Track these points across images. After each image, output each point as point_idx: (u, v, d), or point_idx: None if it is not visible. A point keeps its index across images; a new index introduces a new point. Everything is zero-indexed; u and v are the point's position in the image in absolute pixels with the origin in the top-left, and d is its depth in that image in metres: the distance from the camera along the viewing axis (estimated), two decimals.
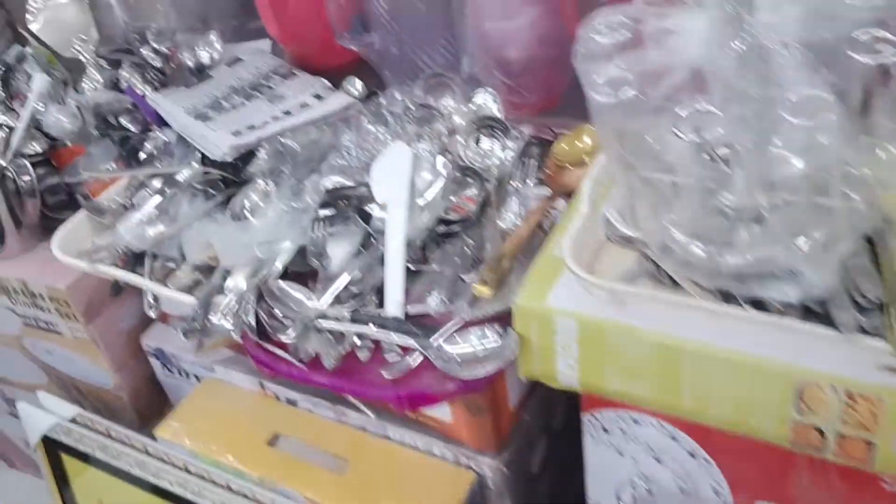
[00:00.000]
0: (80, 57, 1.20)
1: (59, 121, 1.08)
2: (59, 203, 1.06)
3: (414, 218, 0.83)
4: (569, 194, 0.87)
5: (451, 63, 1.08)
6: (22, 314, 1.11)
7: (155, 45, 1.18)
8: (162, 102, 1.07)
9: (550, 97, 1.03)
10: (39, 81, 1.06)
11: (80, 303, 1.03)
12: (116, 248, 0.92)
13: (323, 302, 0.80)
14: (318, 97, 1.01)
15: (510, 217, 0.85)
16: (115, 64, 1.18)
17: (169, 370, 1.09)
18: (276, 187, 0.93)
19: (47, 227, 1.10)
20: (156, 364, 1.10)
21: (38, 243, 1.10)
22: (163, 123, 1.07)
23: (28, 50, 1.16)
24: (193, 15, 1.21)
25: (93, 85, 1.16)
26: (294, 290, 0.81)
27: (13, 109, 1.12)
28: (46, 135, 1.08)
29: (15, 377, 1.26)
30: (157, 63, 1.17)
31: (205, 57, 1.17)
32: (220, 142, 0.94)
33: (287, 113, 0.99)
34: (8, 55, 1.14)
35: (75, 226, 0.98)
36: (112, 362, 1.09)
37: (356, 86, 1.08)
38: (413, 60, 1.09)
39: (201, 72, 1.16)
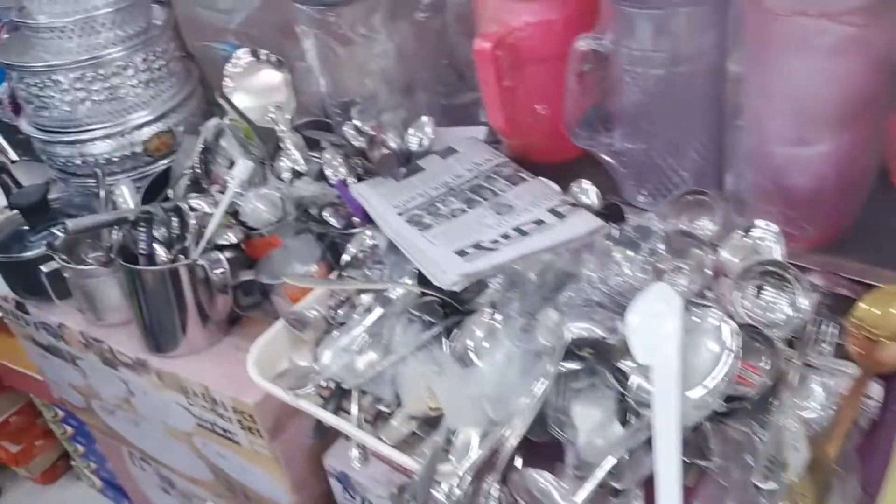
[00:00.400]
0: (276, 128, 1.10)
1: (258, 209, 0.98)
2: (252, 303, 0.96)
3: (686, 393, 0.67)
4: (884, 376, 0.69)
5: (703, 174, 0.92)
6: (198, 415, 1.02)
7: (358, 124, 1.07)
8: (370, 197, 0.96)
9: (832, 232, 0.85)
10: (242, 168, 0.96)
11: (266, 420, 0.93)
12: (321, 379, 0.80)
13: (578, 498, 0.65)
14: (556, 213, 0.87)
15: (812, 404, 0.68)
16: (313, 143, 1.08)
17: (351, 496, 0.97)
18: (503, 320, 0.79)
19: (233, 318, 1.01)
20: (336, 487, 0.98)
21: (223, 337, 1.00)
22: (368, 219, 0.96)
23: (225, 122, 1.07)
24: (398, 87, 1.10)
25: (289, 164, 1.05)
26: (540, 479, 0.67)
27: (206, 190, 1.03)
28: (242, 223, 0.99)
29: (178, 467, 1.18)
30: (360, 143, 1.06)
31: (413, 142, 1.04)
32: (447, 265, 0.81)
33: (520, 231, 0.85)
34: (206, 129, 1.06)
35: (272, 338, 0.87)
36: (292, 481, 0.98)
37: (589, 193, 0.93)
38: (658, 166, 0.93)
39: (409, 160, 1.04)
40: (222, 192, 0.99)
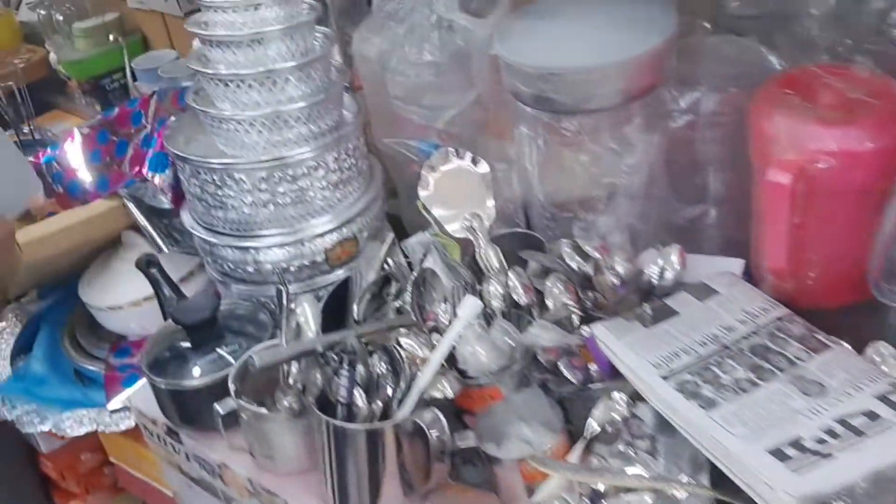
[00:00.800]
0: (475, 240, 0.94)
1: (477, 354, 0.81)
2: (474, 476, 0.79)
3: None
4: None
5: None
6: None
7: (580, 243, 0.90)
8: (616, 347, 0.78)
9: None
10: (470, 308, 0.80)
11: None
12: None
13: None
14: (890, 403, 0.68)
15: None
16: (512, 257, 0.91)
17: None
18: None
19: None
20: None
21: None
22: (613, 372, 0.79)
23: (429, 236, 0.91)
24: (633, 202, 0.93)
25: (499, 289, 0.89)
26: None
27: (421, 329, 0.86)
28: (457, 369, 0.82)
29: None
30: (586, 268, 0.89)
31: (653, 272, 0.87)
32: (769, 475, 0.62)
33: (849, 427, 0.66)
34: (413, 249, 0.90)
35: None
36: None
37: (887, 358, 0.75)
38: None
39: (648, 294, 0.87)
40: (437, 330, 0.83)
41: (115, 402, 1.20)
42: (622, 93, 0.81)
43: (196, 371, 0.93)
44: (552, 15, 0.90)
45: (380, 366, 0.81)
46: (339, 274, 1.01)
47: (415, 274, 0.88)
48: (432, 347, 0.81)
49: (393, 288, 0.97)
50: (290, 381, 0.85)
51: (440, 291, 0.87)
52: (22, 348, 1.34)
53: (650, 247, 0.92)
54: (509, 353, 0.81)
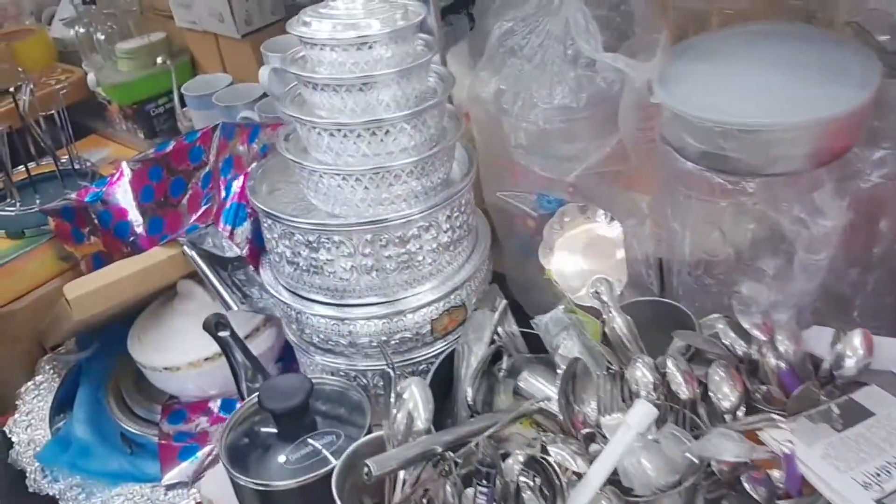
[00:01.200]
0: (601, 307, 0.82)
1: (643, 468, 0.67)
2: None
3: None
4: None
5: None
6: None
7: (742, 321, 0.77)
8: (812, 462, 0.65)
9: None
10: (642, 415, 0.66)
11: None
12: None
13: None
14: None
15: None
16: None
17: None
18: None
19: None
20: None
21: None
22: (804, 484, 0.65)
23: (563, 315, 0.78)
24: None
25: (648, 376, 0.75)
26: None
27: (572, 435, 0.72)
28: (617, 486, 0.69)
29: None
30: (748, 352, 0.76)
31: (824, 353, 0.74)
32: None
33: None
34: (546, 329, 0.77)
35: None
36: None
37: None
38: None
39: (830, 383, 0.74)
40: (592, 439, 0.69)
41: (172, 477, 1.06)
42: (815, 154, 0.68)
43: (284, 466, 0.80)
44: (717, 55, 0.77)
45: (525, 479, 0.68)
46: (442, 346, 0.88)
47: (561, 364, 0.74)
48: (586, 458, 0.68)
49: (505, 363, 0.84)
50: (408, 487, 0.71)
51: (588, 386, 0.73)
52: (61, 405, 1.21)
53: (814, 324, 0.79)
54: (682, 465, 0.68)
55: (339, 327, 0.85)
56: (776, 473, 0.69)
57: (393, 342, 0.85)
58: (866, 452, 0.66)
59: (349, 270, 0.81)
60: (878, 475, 0.64)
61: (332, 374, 0.90)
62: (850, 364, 0.74)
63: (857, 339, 0.74)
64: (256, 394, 0.83)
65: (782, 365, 0.76)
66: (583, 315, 0.79)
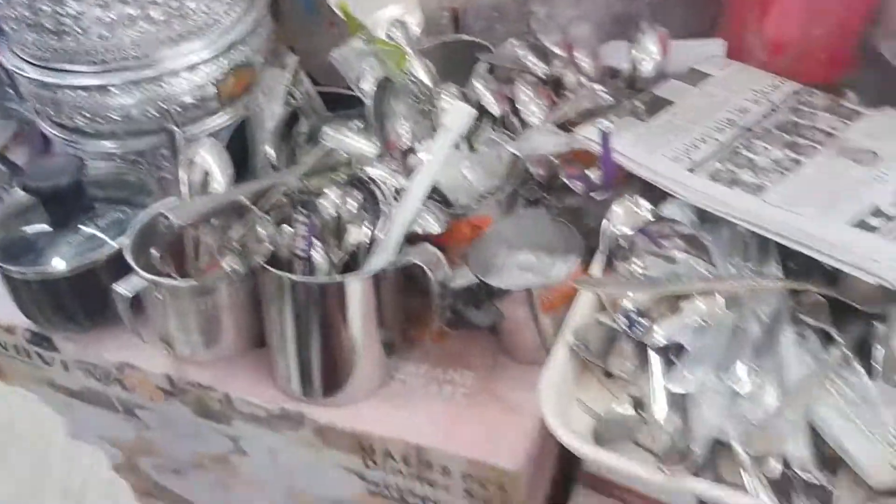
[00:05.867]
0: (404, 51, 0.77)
1: (464, 177, 0.65)
2: (479, 316, 0.64)
3: None
4: None
5: None
6: (375, 480, 0.70)
7: (543, 40, 0.76)
8: (624, 148, 0.66)
9: None
10: (458, 116, 0.61)
11: (519, 492, 0.62)
12: (663, 433, 0.52)
13: None
14: None
15: None
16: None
17: None
18: None
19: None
20: None
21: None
22: (620, 177, 0.66)
23: (364, 45, 0.71)
24: None
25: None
26: None
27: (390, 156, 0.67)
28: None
29: None
30: (540, 67, 0.75)
31: (621, 63, 0.75)
32: (866, 249, 0.53)
33: None
34: (346, 61, 0.70)
35: (560, 373, 0.57)
36: None
37: None
38: None
39: (631, 87, 0.75)
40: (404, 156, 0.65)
41: None
42: None
43: (63, 256, 0.70)
44: None
45: (347, 206, 0.63)
46: (232, 115, 0.80)
47: (365, 86, 0.69)
48: (405, 175, 0.64)
49: (304, 126, 0.78)
50: (226, 239, 0.64)
51: (398, 109, 0.69)
52: None
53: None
54: (501, 171, 0.66)
55: (107, 100, 0.73)
56: (594, 173, 0.69)
57: (173, 112, 0.75)
58: (672, 134, 0.68)
59: (108, 26, 0.70)
60: (687, 150, 0.66)
61: (108, 160, 0.79)
62: (647, 67, 0.75)
63: (650, 41, 0.75)
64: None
65: (583, 80, 0.75)
66: (383, 44, 0.73)
